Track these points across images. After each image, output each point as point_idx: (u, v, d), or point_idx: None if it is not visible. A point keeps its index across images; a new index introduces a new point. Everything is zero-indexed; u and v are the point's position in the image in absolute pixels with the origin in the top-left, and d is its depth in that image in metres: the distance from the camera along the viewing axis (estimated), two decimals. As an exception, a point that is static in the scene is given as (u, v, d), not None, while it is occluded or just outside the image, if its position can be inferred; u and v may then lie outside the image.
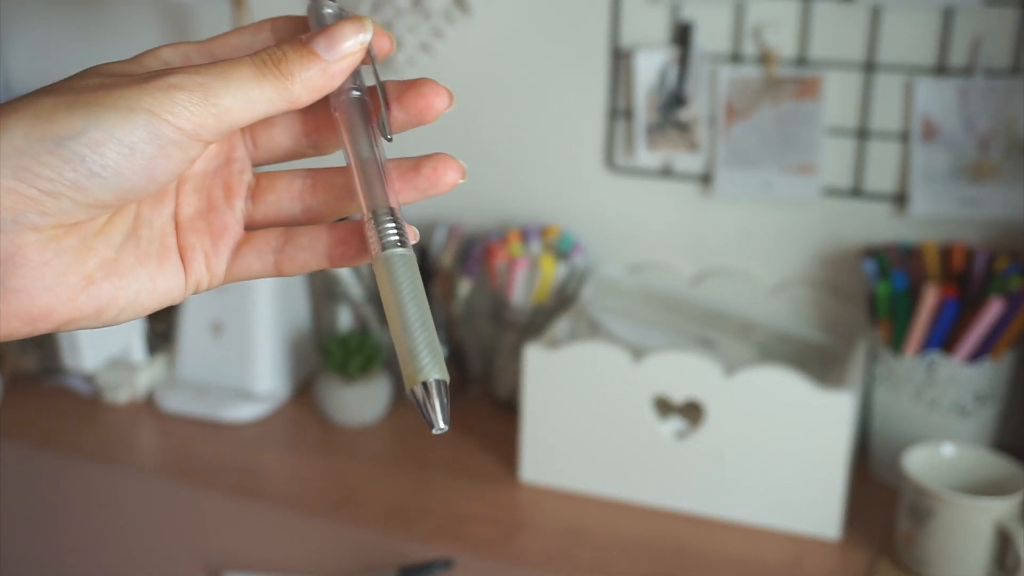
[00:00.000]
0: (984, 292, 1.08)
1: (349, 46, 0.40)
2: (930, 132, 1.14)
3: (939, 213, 1.15)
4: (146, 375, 1.30)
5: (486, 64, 1.29)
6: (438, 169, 0.42)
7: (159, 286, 0.40)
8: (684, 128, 1.21)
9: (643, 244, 1.28)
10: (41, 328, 0.37)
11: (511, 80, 1.29)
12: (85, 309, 0.38)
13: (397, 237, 0.39)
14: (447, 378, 0.37)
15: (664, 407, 1.07)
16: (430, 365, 0.37)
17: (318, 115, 0.43)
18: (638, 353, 1.06)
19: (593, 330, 1.17)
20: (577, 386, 1.07)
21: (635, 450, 1.07)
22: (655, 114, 1.21)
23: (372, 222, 0.39)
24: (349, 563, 0.98)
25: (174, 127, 0.36)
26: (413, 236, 0.40)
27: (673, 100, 1.20)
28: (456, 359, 1.29)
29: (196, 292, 0.42)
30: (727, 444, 1.04)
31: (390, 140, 0.41)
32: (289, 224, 0.43)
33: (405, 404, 1.28)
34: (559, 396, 1.08)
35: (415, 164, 0.42)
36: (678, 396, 1.05)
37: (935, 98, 1.13)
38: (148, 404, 1.29)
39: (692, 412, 1.06)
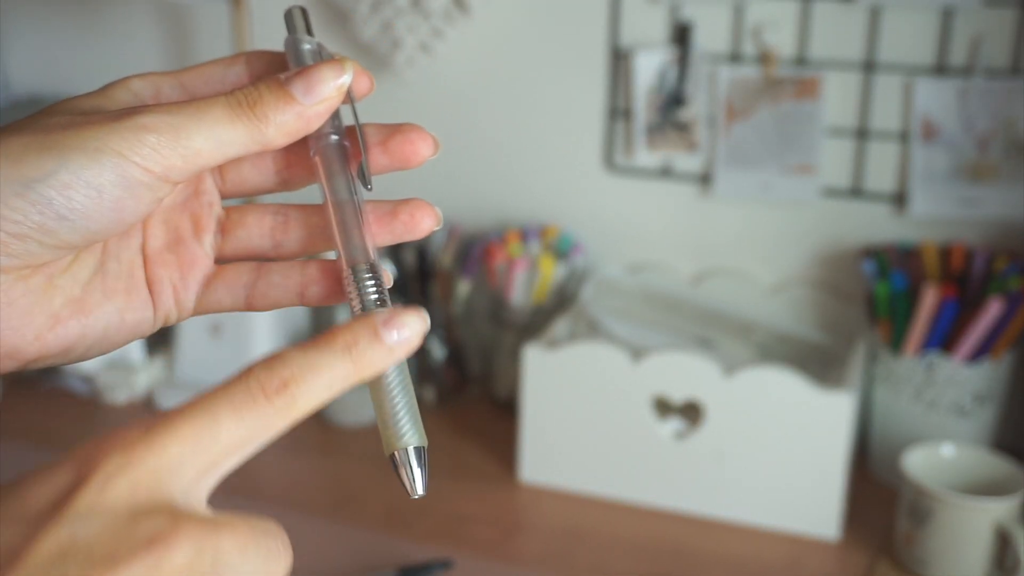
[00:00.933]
0: (983, 292, 1.08)
1: (327, 90, 0.38)
2: (929, 132, 1.14)
3: (938, 213, 1.15)
4: (145, 375, 1.30)
5: (485, 64, 1.29)
6: (415, 216, 0.41)
7: (127, 320, 0.40)
8: (683, 128, 1.21)
9: (642, 244, 1.28)
10: (7, 367, 0.37)
11: (510, 80, 1.29)
12: (52, 348, 0.37)
13: (376, 295, 0.38)
14: (426, 443, 0.37)
15: (663, 407, 1.07)
16: (409, 432, 0.37)
17: (290, 153, 0.42)
18: (637, 353, 1.06)
19: (592, 330, 1.17)
20: (576, 386, 1.07)
21: (634, 450, 1.07)
22: (654, 114, 1.21)
23: (351, 278, 0.39)
24: (348, 563, 0.98)
25: (143, 169, 0.36)
26: (388, 280, 0.40)
27: (672, 100, 1.20)
28: (455, 359, 1.29)
29: (165, 325, 0.42)
30: (726, 444, 1.04)
31: (370, 190, 0.41)
32: (259, 259, 0.42)
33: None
34: (558, 396, 1.08)
35: (392, 209, 0.41)
36: (677, 396, 1.05)
37: (934, 98, 1.13)
38: (147, 404, 1.29)
39: (691, 412, 1.06)
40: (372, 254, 0.39)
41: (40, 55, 1.51)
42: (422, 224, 0.41)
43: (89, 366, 1.23)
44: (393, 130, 0.42)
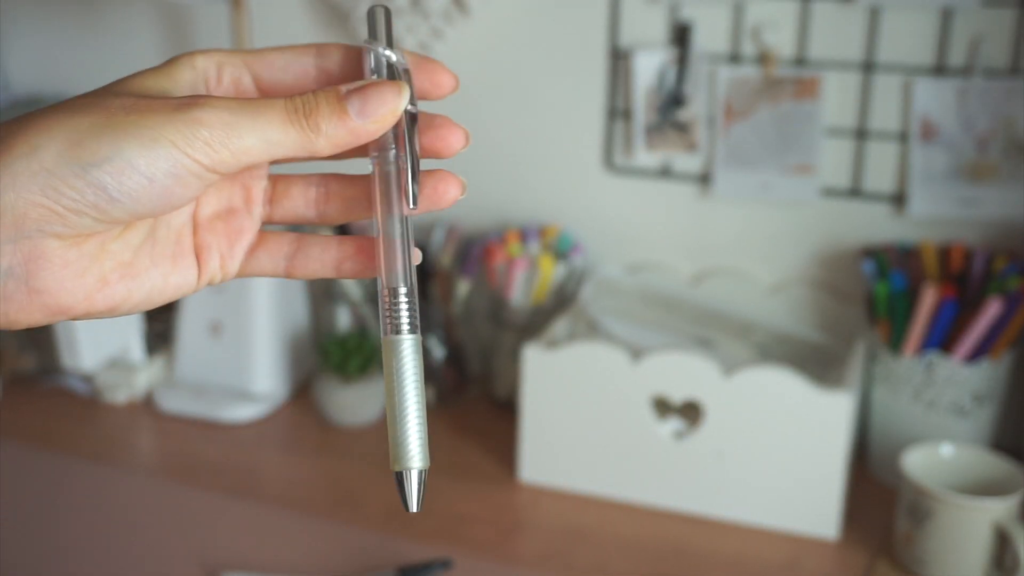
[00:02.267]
0: (983, 292, 1.08)
1: (382, 112, 0.40)
2: (929, 132, 1.14)
3: (938, 213, 1.15)
4: (145, 375, 1.30)
5: (485, 64, 1.29)
6: (438, 188, 0.43)
7: (171, 283, 0.42)
8: (683, 128, 1.21)
9: (642, 244, 1.28)
10: (59, 319, 0.39)
11: (510, 80, 1.29)
12: (100, 306, 0.40)
13: (409, 321, 0.40)
14: (428, 466, 0.40)
15: (663, 407, 1.07)
16: (417, 455, 0.40)
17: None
18: (637, 353, 1.06)
19: (592, 330, 1.17)
20: (576, 386, 1.07)
21: (634, 450, 1.07)
22: (654, 114, 1.21)
23: (387, 299, 0.41)
24: (347, 563, 0.98)
25: (193, 160, 0.37)
26: (416, 257, 0.42)
27: (672, 100, 1.21)
28: (455, 359, 1.29)
29: (208, 286, 0.44)
30: (726, 444, 1.04)
31: (413, 209, 0.42)
32: (303, 224, 0.45)
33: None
34: (558, 396, 1.08)
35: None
36: (677, 396, 1.05)
37: (934, 98, 1.13)
38: (147, 404, 1.29)
39: (691, 412, 1.06)
40: (411, 278, 0.41)
41: (40, 55, 1.51)
42: (447, 195, 0.43)
43: (89, 366, 1.23)
44: (424, 123, 0.43)
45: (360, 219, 0.45)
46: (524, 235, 1.26)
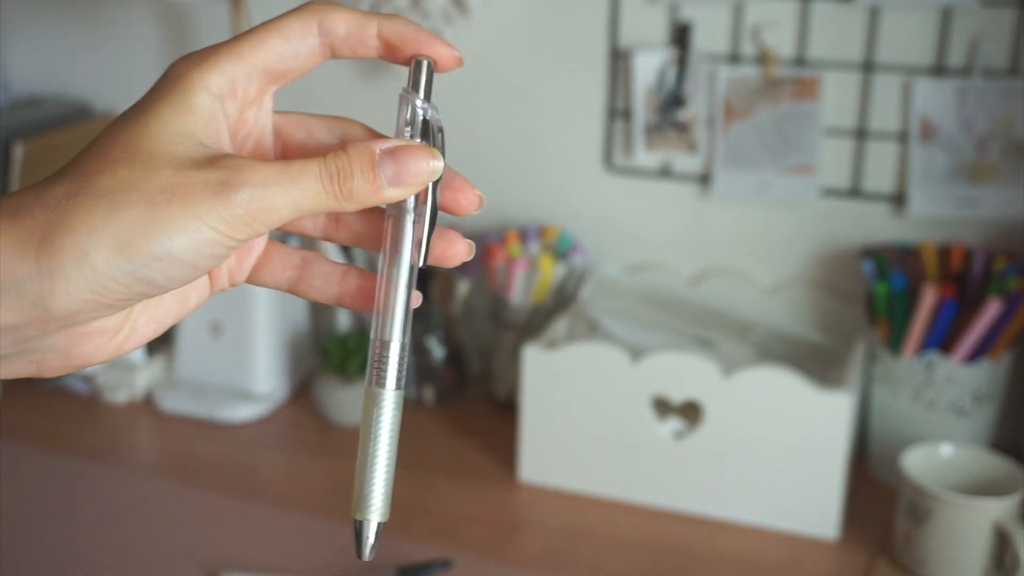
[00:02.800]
0: (982, 292, 1.08)
1: (416, 182, 0.40)
2: (928, 132, 1.14)
3: (937, 213, 1.15)
4: (145, 375, 1.30)
5: (485, 65, 1.29)
6: (447, 250, 0.44)
7: (188, 306, 0.43)
8: (683, 128, 1.21)
9: (642, 244, 1.28)
10: (79, 369, 0.41)
11: (510, 80, 1.29)
12: (127, 349, 0.41)
13: (396, 376, 0.41)
14: (387, 520, 0.41)
15: (663, 407, 1.08)
16: (379, 507, 0.41)
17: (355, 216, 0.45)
18: (637, 353, 1.06)
19: (592, 330, 1.17)
20: (576, 386, 1.07)
21: (634, 450, 1.07)
22: (654, 114, 1.22)
23: (378, 351, 0.41)
24: (347, 563, 0.98)
25: (232, 239, 0.38)
26: (416, 300, 0.42)
27: (672, 100, 1.21)
28: (455, 359, 1.29)
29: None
30: (726, 444, 1.04)
31: (423, 266, 0.43)
32: (307, 237, 0.46)
33: (403, 404, 1.28)
34: (558, 396, 1.08)
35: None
36: (677, 396, 1.05)
37: (933, 98, 1.13)
38: (147, 404, 1.29)
39: (691, 412, 1.06)
40: (406, 335, 0.42)
41: (40, 55, 1.51)
42: (456, 256, 0.44)
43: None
44: (443, 181, 0.43)
45: (366, 249, 0.45)
46: (524, 235, 1.26)
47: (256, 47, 0.41)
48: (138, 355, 1.29)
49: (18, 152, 1.32)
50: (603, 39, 1.23)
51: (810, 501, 1.03)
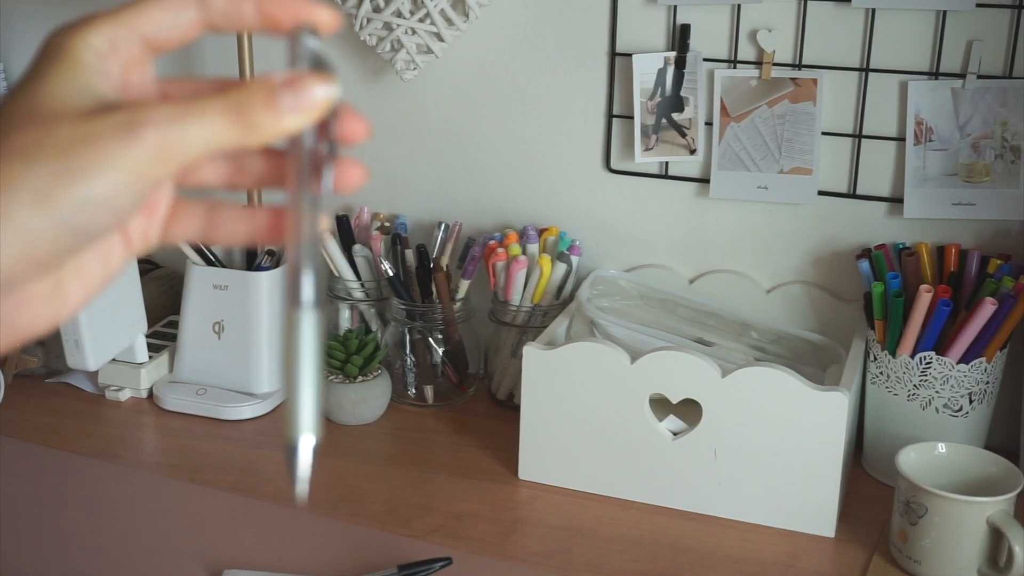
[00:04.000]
0: (977, 293, 1.09)
1: (314, 107, 0.41)
2: (924, 134, 1.14)
3: (933, 214, 1.16)
4: (147, 374, 1.31)
5: (485, 66, 1.30)
6: (344, 175, 0.44)
7: (110, 268, 0.44)
8: (681, 130, 1.22)
9: (640, 245, 1.29)
10: (24, 341, 0.42)
11: (510, 82, 1.29)
12: (64, 317, 0.42)
13: (312, 295, 0.41)
14: (318, 438, 0.42)
15: (661, 406, 1.08)
16: (310, 425, 0.42)
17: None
18: (635, 353, 1.07)
19: (591, 330, 1.18)
20: (575, 385, 1.08)
21: (632, 449, 1.08)
22: (652, 116, 1.22)
23: (291, 275, 0.41)
24: (348, 561, 0.99)
25: (149, 179, 0.39)
26: (324, 223, 0.42)
27: (670, 102, 1.21)
28: (455, 359, 1.30)
29: (137, 257, 0.46)
30: (723, 443, 1.05)
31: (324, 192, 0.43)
32: (213, 191, 0.46)
33: (404, 403, 1.29)
34: (557, 395, 1.09)
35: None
36: (675, 395, 1.06)
37: (929, 100, 1.14)
38: (150, 402, 1.30)
39: (689, 411, 1.07)
40: (316, 257, 0.42)
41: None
42: (352, 181, 0.44)
43: (94, 365, 1.24)
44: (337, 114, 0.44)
45: (269, 189, 0.46)
46: (524, 235, 1.26)
47: (134, 13, 0.42)
48: (142, 354, 1.30)
49: (22, 153, 1.32)
50: (603, 41, 1.24)
51: (807, 499, 1.04)
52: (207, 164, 0.45)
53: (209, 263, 1.29)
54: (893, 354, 1.09)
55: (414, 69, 1.27)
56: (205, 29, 0.43)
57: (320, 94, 0.41)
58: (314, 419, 0.41)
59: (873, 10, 1.13)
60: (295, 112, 0.40)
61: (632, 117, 1.23)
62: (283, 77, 0.41)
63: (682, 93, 1.21)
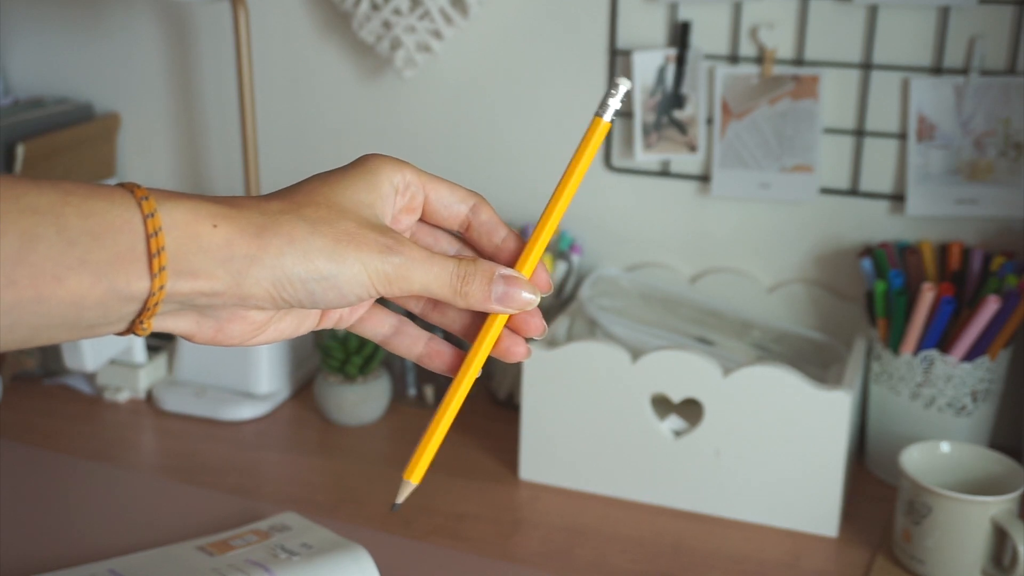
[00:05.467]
0: (980, 291, 1.09)
1: (516, 307, 0.54)
2: (926, 131, 1.14)
3: (936, 212, 1.15)
4: (146, 374, 1.30)
5: (484, 64, 1.29)
6: (511, 348, 0.57)
7: (300, 329, 0.55)
8: (682, 128, 1.22)
9: (641, 244, 1.28)
10: (208, 344, 0.53)
11: (509, 80, 1.29)
12: (250, 343, 0.54)
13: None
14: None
15: (662, 406, 1.08)
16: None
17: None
18: (636, 352, 1.06)
19: (591, 329, 1.18)
20: (576, 385, 1.08)
21: (633, 449, 1.07)
22: (653, 114, 1.22)
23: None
24: (349, 562, 0.99)
25: (375, 288, 0.51)
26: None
27: (671, 100, 1.21)
28: (455, 358, 1.29)
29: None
30: (725, 443, 1.04)
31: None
32: (408, 311, 0.59)
33: (404, 404, 1.29)
34: (558, 395, 1.09)
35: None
36: (676, 395, 1.05)
37: (931, 97, 1.13)
38: (149, 404, 1.29)
39: (690, 411, 1.07)
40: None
41: (41, 56, 1.51)
42: (516, 354, 0.58)
43: (92, 366, 1.24)
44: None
45: (448, 332, 0.58)
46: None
47: (432, 179, 0.55)
48: (140, 355, 1.29)
49: (20, 153, 1.32)
50: (602, 39, 1.24)
51: (810, 499, 1.03)
52: (376, 319, 0.58)
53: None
54: (896, 353, 1.09)
55: (413, 67, 1.26)
56: (462, 228, 0.56)
57: (524, 298, 0.54)
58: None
59: (875, 6, 1.13)
60: (499, 303, 0.54)
61: (632, 115, 1.23)
62: (505, 272, 0.54)
63: (683, 91, 1.20)
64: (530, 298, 0.54)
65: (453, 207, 0.55)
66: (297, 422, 1.27)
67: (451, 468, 1.15)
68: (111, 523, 1.05)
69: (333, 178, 0.52)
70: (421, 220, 0.56)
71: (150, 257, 0.46)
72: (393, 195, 0.53)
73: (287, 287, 0.49)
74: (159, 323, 0.50)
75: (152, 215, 0.46)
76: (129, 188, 0.47)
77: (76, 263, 0.44)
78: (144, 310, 0.47)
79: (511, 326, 0.56)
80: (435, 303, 0.57)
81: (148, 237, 0.46)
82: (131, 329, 0.49)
